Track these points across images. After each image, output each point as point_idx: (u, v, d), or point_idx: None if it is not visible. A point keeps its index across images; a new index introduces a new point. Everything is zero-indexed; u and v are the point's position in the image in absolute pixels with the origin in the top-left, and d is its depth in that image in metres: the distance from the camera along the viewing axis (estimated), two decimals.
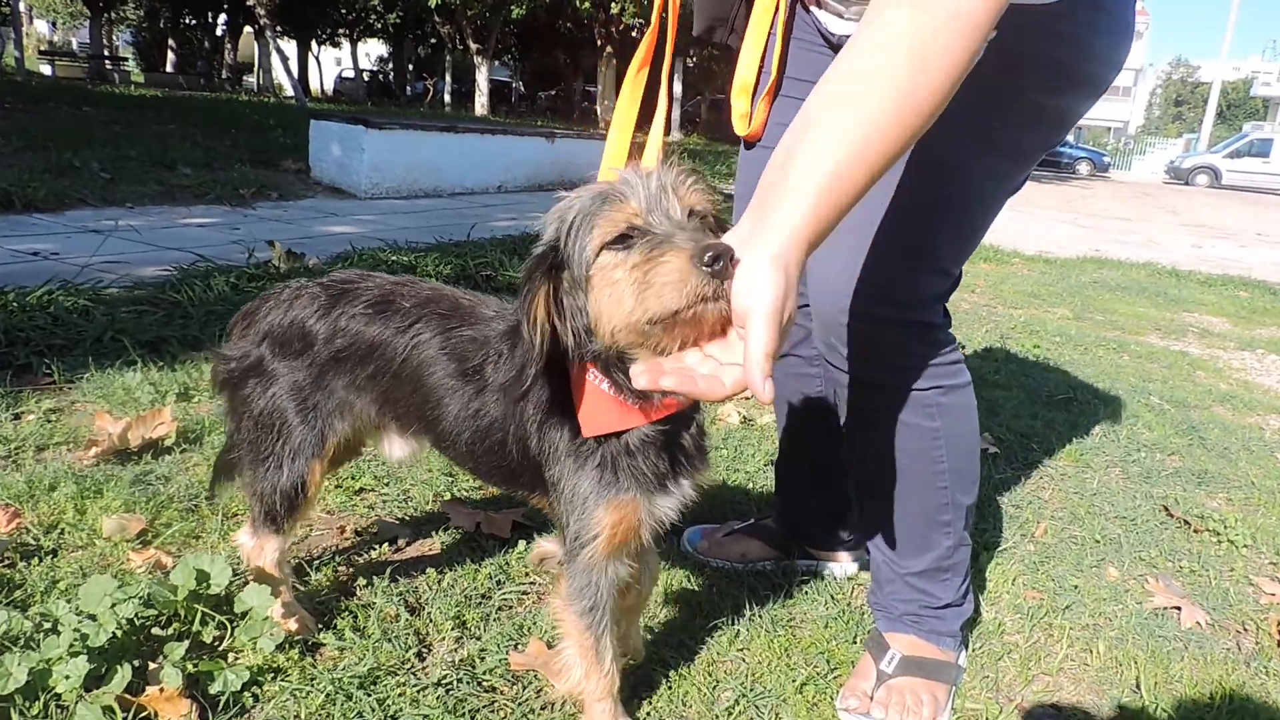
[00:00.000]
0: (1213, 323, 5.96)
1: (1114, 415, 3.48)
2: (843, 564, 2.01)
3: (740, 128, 1.63)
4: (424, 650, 1.56)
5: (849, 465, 1.67)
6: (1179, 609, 2.01)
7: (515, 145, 9.10)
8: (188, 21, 37.39)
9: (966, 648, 1.75)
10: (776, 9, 1.55)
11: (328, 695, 1.40)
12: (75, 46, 53.88)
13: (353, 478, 2.19)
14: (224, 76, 36.50)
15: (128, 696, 1.29)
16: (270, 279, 3.91)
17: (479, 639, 1.61)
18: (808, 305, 1.73)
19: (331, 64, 49.26)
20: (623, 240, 1.02)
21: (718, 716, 1.48)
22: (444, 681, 1.46)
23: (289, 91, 33.39)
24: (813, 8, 1.52)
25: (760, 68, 1.59)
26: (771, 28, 1.57)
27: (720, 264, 0.91)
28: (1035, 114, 1.36)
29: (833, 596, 1.91)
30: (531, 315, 1.08)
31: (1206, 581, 2.19)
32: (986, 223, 1.45)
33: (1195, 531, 2.49)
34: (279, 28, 31.84)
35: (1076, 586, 2.08)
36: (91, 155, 7.22)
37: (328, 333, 1.42)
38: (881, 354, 1.46)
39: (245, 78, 45.44)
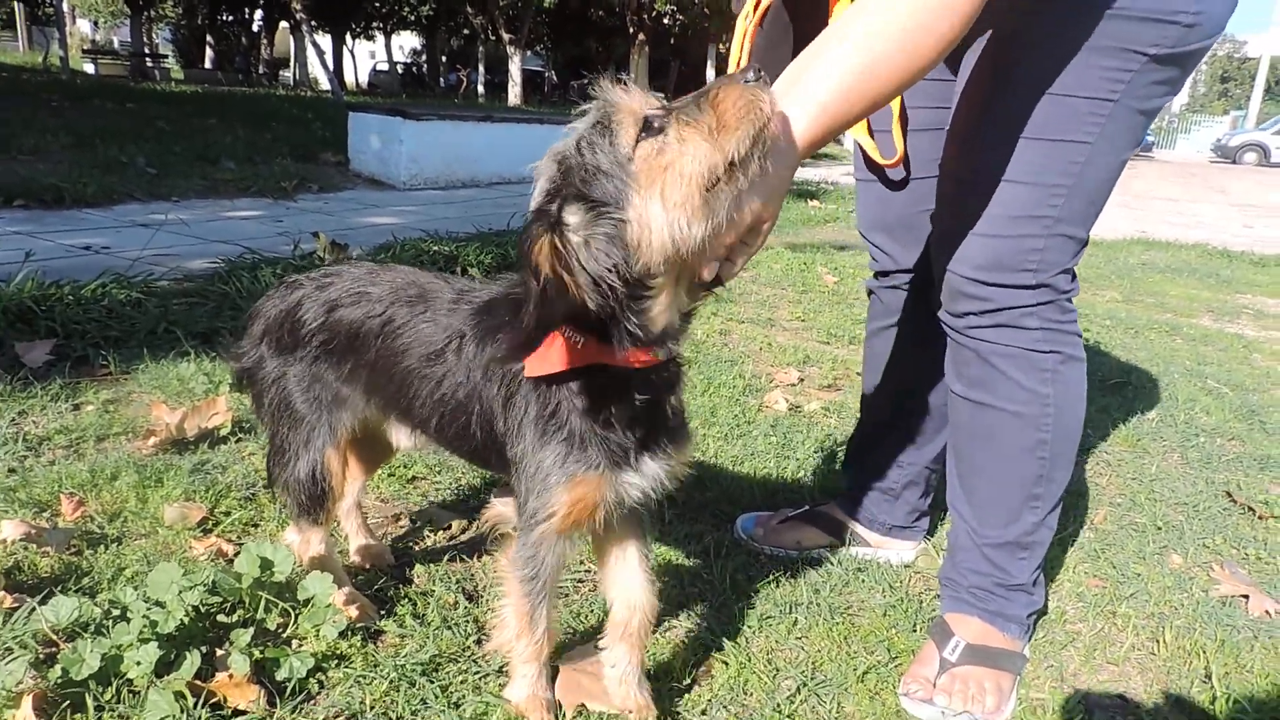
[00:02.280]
0: (1267, 304, 5.81)
1: (1170, 399, 3.40)
2: (900, 551, 1.99)
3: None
4: (483, 637, 1.57)
5: (953, 426, 1.68)
6: (1246, 597, 1.96)
7: (551, 134, 8.93)
8: (225, 18, 37.84)
9: (1031, 638, 1.72)
10: None
11: (391, 682, 1.41)
12: (116, 45, 54.80)
13: (405, 466, 2.20)
14: (261, 72, 36.89)
15: (197, 682, 1.30)
16: (316, 269, 3.94)
17: None
18: (902, 272, 1.83)
19: (365, 57, 49.61)
20: (649, 128, 1.01)
21: (779, 705, 1.47)
22: (505, 669, 1.46)
23: (325, 85, 33.72)
24: None
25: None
26: None
27: (760, 74, 0.99)
28: (1155, 73, 1.36)
29: (891, 585, 1.88)
30: (536, 264, 1.01)
31: (1275, 569, 2.13)
32: (1113, 184, 1.48)
33: (1260, 518, 2.43)
34: (314, 22, 32.13)
35: (1140, 574, 2.03)
36: (137, 151, 7.34)
37: (314, 326, 1.44)
38: (1010, 318, 1.49)
39: (281, 72, 45.91)
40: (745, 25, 1.51)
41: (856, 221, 1.90)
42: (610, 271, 1.01)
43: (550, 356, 1.13)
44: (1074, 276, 1.53)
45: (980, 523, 1.62)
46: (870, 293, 1.96)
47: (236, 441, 2.28)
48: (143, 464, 2.07)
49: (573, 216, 1.02)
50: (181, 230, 5.20)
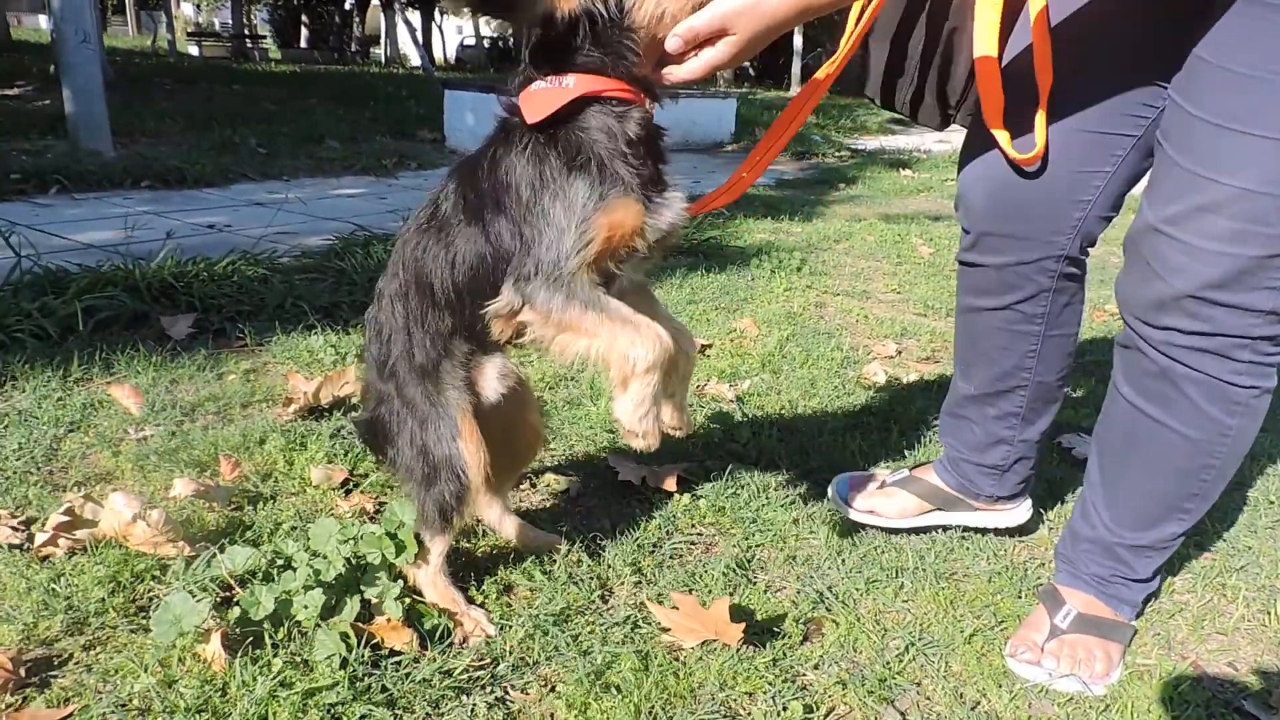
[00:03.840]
0: None
1: None
2: (1005, 518, 2.01)
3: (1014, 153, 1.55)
4: (606, 593, 1.68)
5: (1107, 420, 1.61)
6: None
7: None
8: None
9: (1140, 616, 1.74)
10: None
11: (527, 631, 1.53)
12: (218, 26, 56.77)
13: None
14: (354, 50, 37.79)
15: (359, 625, 1.45)
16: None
17: (655, 584, 1.72)
18: (1030, 261, 1.65)
19: (453, 32, 50.20)
20: None
21: (889, 663, 1.54)
22: (629, 619, 1.58)
23: (415, 61, 34.32)
24: None
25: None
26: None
27: None
28: None
29: (995, 553, 1.93)
30: None
31: None
32: None
33: None
34: (404, 0, 32.68)
35: (1250, 547, 2.03)
36: (248, 132, 7.69)
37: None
38: (1222, 346, 1.37)
39: (373, 49, 46.85)
40: None
41: (959, 194, 1.73)
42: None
43: (551, 96, 1.24)
44: None
45: (1117, 523, 1.60)
46: (965, 264, 1.80)
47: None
48: (286, 429, 2.25)
49: None
50: (295, 208, 5.46)
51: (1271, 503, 2.25)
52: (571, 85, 1.24)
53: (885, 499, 2.00)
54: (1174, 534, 1.58)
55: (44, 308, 2.91)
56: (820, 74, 1.59)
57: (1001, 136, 1.55)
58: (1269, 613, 1.78)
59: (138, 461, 2.05)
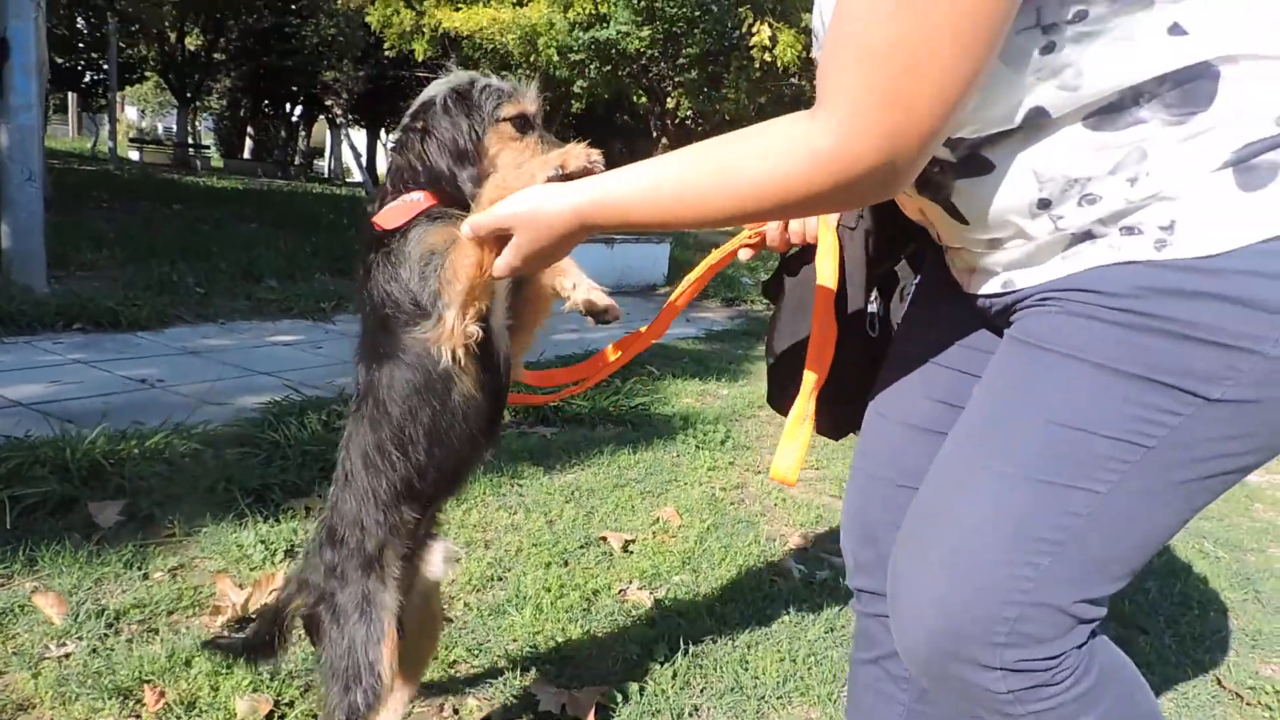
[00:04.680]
0: None
1: (1168, 568, 3.55)
2: None
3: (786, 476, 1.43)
4: None
5: None
6: None
7: (576, 254, 9.47)
8: (266, 111, 39.41)
9: None
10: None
11: None
12: (160, 131, 57.00)
13: (446, 649, 2.40)
14: (297, 163, 38.26)
15: None
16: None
17: None
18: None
19: None
20: (525, 124, 1.52)
21: None
22: None
23: (356, 176, 34.89)
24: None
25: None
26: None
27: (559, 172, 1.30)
28: (1219, 426, 1.03)
29: None
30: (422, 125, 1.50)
31: None
32: (1147, 550, 1.13)
33: (1247, 705, 2.57)
34: (351, 118, 33.49)
35: None
36: (187, 269, 7.74)
37: None
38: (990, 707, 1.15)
39: (316, 161, 47.44)
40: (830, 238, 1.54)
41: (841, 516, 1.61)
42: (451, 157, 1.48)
43: (403, 209, 1.48)
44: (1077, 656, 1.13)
45: None
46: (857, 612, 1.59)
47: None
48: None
49: (445, 121, 1.49)
50: (230, 357, 5.51)
51: None
52: (406, 209, 1.49)
53: None
54: None
55: None
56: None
57: (806, 407, 1.43)
58: None
59: (58, 687, 2.06)
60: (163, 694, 2.05)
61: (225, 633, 2.37)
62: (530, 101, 1.54)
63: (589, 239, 1.29)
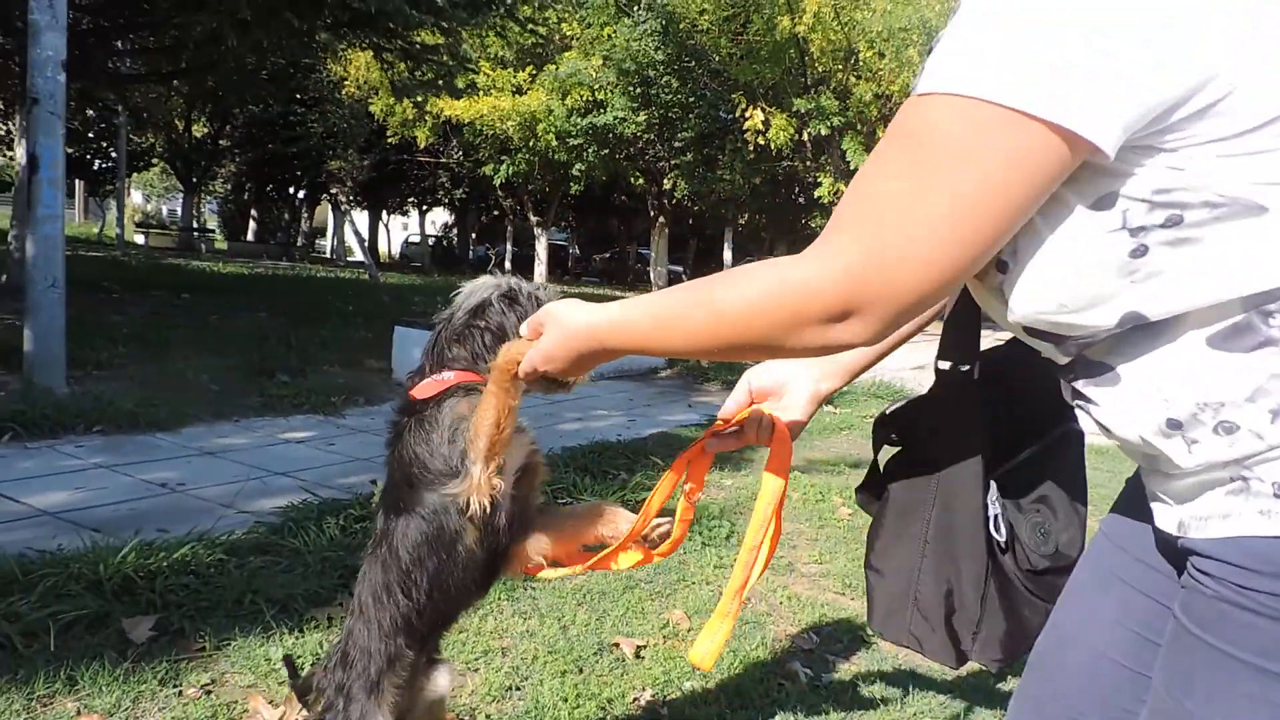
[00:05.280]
0: None
1: None
2: None
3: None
4: None
5: None
6: None
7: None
8: (270, 194, 40.31)
9: None
10: None
11: None
12: (164, 214, 58.07)
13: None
14: (300, 244, 38.96)
15: None
16: (374, 517, 4.34)
17: None
18: None
19: (399, 229, 52.22)
20: None
21: None
22: None
23: (358, 255, 35.50)
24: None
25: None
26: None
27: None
28: None
29: None
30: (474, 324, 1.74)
31: None
32: None
33: None
34: (354, 200, 34.22)
35: None
36: (201, 366, 7.97)
37: None
38: None
39: (318, 241, 48.29)
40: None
41: None
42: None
43: (436, 384, 1.66)
44: None
45: None
46: None
47: None
48: None
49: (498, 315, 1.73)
50: (246, 458, 5.67)
51: None
52: (438, 384, 1.70)
53: None
54: None
55: (9, 612, 3.04)
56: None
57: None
58: None
59: None
60: None
61: None
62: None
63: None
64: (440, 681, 1.96)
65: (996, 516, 1.43)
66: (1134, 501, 1.24)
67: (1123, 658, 1.22)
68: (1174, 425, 0.97)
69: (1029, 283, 0.99)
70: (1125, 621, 1.22)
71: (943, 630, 1.47)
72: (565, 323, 1.25)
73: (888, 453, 1.60)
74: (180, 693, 2.79)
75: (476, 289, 1.77)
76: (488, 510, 1.65)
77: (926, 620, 1.49)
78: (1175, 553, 1.07)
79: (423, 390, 1.69)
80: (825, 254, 0.96)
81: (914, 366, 13.73)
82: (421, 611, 1.74)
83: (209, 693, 2.80)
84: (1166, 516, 1.07)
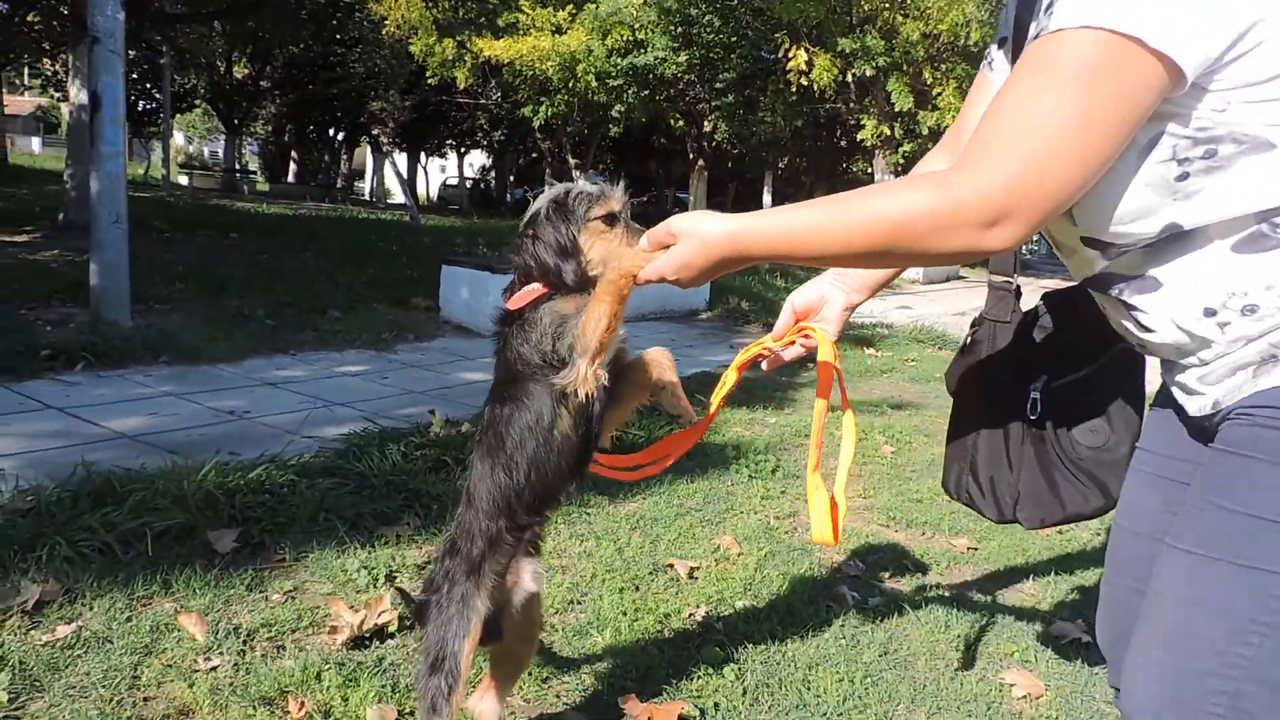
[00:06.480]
0: None
1: None
2: None
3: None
4: None
5: None
6: None
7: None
8: (310, 136, 40.44)
9: None
10: None
11: None
12: (206, 155, 58.59)
13: (539, 666, 2.68)
14: (339, 186, 39.20)
15: None
16: (433, 445, 4.53)
17: None
18: None
19: (437, 171, 52.23)
20: (611, 218, 1.77)
21: None
22: None
23: (397, 196, 35.70)
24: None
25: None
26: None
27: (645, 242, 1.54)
28: None
29: None
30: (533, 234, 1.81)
31: None
32: None
33: None
34: (395, 142, 34.29)
35: None
36: (256, 302, 8.19)
37: None
38: None
39: (357, 183, 48.53)
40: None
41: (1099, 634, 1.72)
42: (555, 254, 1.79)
43: (527, 295, 1.81)
44: None
45: None
46: None
47: (402, 636, 2.80)
48: (339, 661, 2.58)
49: (548, 226, 1.80)
50: (306, 389, 5.88)
51: None
52: (530, 294, 1.83)
53: None
54: None
55: (106, 521, 3.25)
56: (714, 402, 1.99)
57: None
58: None
59: (212, 696, 2.38)
60: (303, 703, 2.35)
61: (344, 650, 2.68)
62: (615, 201, 1.82)
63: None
64: (529, 579, 2.04)
65: (1036, 400, 1.81)
66: (1159, 420, 1.56)
67: (1158, 533, 1.43)
68: (1209, 312, 1.23)
69: (1094, 202, 1.22)
70: (1167, 507, 1.47)
71: (991, 495, 1.91)
72: (703, 233, 1.33)
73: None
74: (266, 598, 2.99)
75: (536, 201, 1.87)
76: (589, 399, 1.78)
77: (978, 484, 1.94)
78: (1205, 434, 1.34)
79: (517, 301, 1.82)
80: (986, 166, 1.13)
81: (955, 313, 13.68)
82: (520, 492, 1.85)
83: (292, 598, 3.00)
84: (1199, 404, 1.33)
